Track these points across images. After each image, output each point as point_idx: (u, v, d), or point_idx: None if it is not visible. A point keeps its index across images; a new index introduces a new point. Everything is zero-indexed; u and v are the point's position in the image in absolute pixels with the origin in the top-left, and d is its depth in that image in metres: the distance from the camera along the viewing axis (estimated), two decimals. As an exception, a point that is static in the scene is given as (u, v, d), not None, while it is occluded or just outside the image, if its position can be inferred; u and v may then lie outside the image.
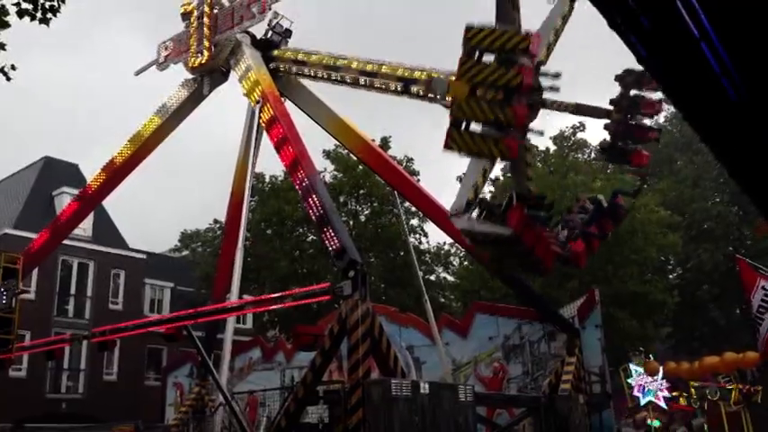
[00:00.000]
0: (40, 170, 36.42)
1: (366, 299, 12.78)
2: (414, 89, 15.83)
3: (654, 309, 30.01)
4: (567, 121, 43.25)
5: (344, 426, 12.29)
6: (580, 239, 13.69)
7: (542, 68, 12.62)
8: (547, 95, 13.00)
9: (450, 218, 12.08)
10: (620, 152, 14.10)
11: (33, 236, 23.36)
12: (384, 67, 16.55)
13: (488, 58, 11.09)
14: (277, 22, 20.29)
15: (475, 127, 11.22)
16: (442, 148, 11.20)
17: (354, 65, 16.98)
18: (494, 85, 10.79)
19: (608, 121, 13.74)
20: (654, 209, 30.79)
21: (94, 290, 34.26)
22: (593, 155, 42.12)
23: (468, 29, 10.77)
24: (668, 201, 37.26)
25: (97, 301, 34.06)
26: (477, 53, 10.95)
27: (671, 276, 37.66)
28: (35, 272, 29.36)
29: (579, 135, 35.88)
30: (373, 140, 24.34)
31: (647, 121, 14.46)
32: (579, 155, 36.66)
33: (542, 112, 13.44)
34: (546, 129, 13.38)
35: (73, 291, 33.94)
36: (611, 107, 13.60)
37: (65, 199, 30.92)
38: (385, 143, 34.76)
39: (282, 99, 19.05)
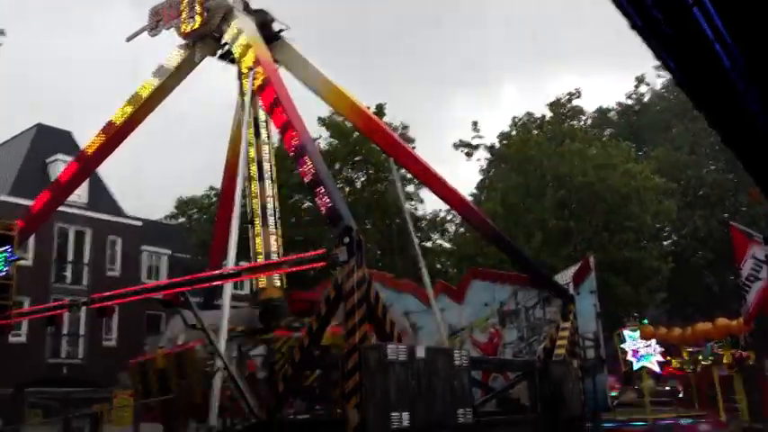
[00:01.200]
0: (33, 137, 36.24)
1: (362, 265, 12.83)
2: None
3: (648, 275, 30.28)
4: (562, 87, 43.19)
5: (342, 390, 12.45)
6: None
7: None
8: None
9: None
10: None
11: (29, 202, 23.32)
12: None
13: None
14: None
15: None
16: None
17: None
18: None
19: None
20: (649, 176, 30.87)
21: (92, 257, 34.37)
22: (589, 122, 42.06)
23: None
24: (663, 168, 37.34)
25: (95, 267, 34.18)
26: None
27: (665, 243, 37.89)
28: (32, 239, 29.42)
29: (575, 102, 35.73)
30: (368, 107, 24.25)
31: None
32: (575, 122, 36.57)
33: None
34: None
35: (71, 258, 34.04)
36: None
37: (59, 166, 30.83)
38: (380, 110, 34.63)
39: (276, 66, 18.92)
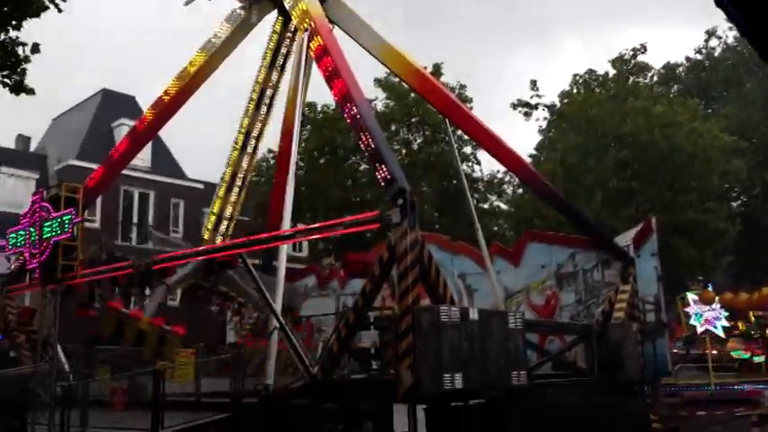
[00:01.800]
0: (99, 103, 37.23)
1: (415, 227, 12.78)
2: None
3: (714, 237, 29.29)
4: (626, 42, 41.51)
5: (395, 351, 12.53)
6: None
7: None
8: None
9: None
10: None
11: (95, 166, 24.03)
12: None
13: None
14: None
15: None
16: None
17: None
18: None
19: None
20: (717, 134, 29.61)
21: (156, 219, 35.37)
22: (655, 78, 40.52)
23: None
24: (733, 126, 35.76)
25: (158, 229, 35.16)
26: None
27: (734, 204, 36.48)
28: (99, 202, 30.46)
29: (640, 58, 34.39)
30: (425, 67, 23.91)
31: None
32: (640, 79, 35.26)
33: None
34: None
35: (135, 220, 35.12)
36: None
37: (123, 130, 31.63)
38: (437, 70, 34.13)
39: (332, 26, 18.77)
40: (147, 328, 18.60)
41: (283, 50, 21.32)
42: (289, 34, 20.92)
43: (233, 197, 21.58)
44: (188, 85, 19.97)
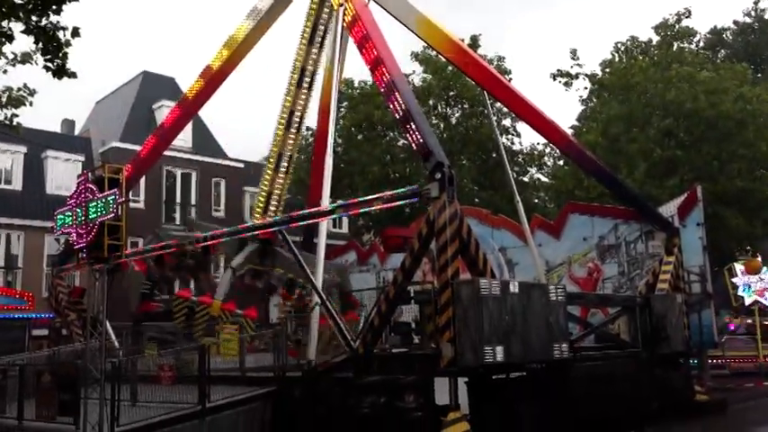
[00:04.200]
0: (139, 85, 37.71)
1: (453, 200, 12.74)
2: None
3: (763, 206, 28.46)
4: (670, 7, 40.22)
5: (435, 324, 12.58)
6: None
7: None
8: None
9: None
10: None
11: (137, 148, 24.45)
12: None
13: None
14: None
15: None
16: None
17: None
18: None
19: None
20: (767, 99, 28.62)
21: (198, 198, 35.87)
22: (701, 44, 39.30)
23: None
24: (785, 90, 34.54)
25: (201, 208, 35.67)
26: None
27: (784, 172, 35.33)
28: (143, 183, 31.01)
29: (684, 22, 33.32)
30: (462, 40, 23.61)
31: None
32: (685, 44, 34.22)
33: None
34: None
35: (178, 200, 35.67)
36: None
37: (164, 112, 31.98)
38: (474, 42, 33.67)
39: (367, 1, 18.67)
40: (220, 313, 18.75)
41: (321, 27, 21.28)
42: (326, 10, 20.86)
43: (280, 176, 21.55)
44: (235, 53, 20.25)
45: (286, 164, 21.60)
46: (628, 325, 17.41)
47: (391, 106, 14.82)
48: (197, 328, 18.73)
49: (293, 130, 21.57)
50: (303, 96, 21.44)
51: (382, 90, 15.55)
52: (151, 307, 21.66)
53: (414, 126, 13.86)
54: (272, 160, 21.68)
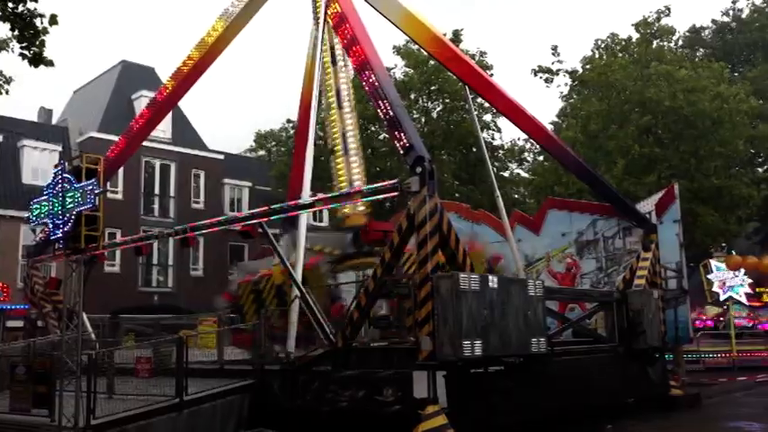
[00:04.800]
0: (118, 74, 37.34)
1: (434, 195, 12.76)
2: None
3: (738, 204, 28.85)
4: (650, 5, 40.53)
5: (414, 318, 12.61)
6: None
7: None
8: None
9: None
10: None
11: (116, 138, 24.20)
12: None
13: None
14: None
15: None
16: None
17: None
18: None
19: None
20: (743, 98, 28.96)
21: (177, 190, 35.63)
22: (680, 42, 39.64)
23: None
24: (761, 89, 34.96)
25: (180, 200, 35.47)
26: None
27: (760, 170, 35.85)
28: (121, 174, 30.73)
29: (664, 21, 33.59)
30: (444, 34, 23.60)
31: None
32: (664, 42, 34.50)
33: None
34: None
35: (157, 191, 35.41)
36: None
37: (143, 102, 31.71)
38: (456, 37, 33.72)
39: (350, -7, 18.58)
40: (284, 277, 16.75)
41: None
42: None
43: (353, 160, 19.84)
44: (207, 54, 19.94)
45: (354, 145, 20.08)
46: (605, 320, 17.60)
47: (378, 109, 14.75)
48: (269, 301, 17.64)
49: (347, 108, 20.27)
50: (343, 72, 20.45)
51: (369, 93, 15.46)
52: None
53: (399, 125, 13.81)
54: (338, 147, 20.06)
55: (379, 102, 14.47)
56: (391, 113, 14.09)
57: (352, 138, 20.09)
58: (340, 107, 20.29)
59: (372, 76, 14.88)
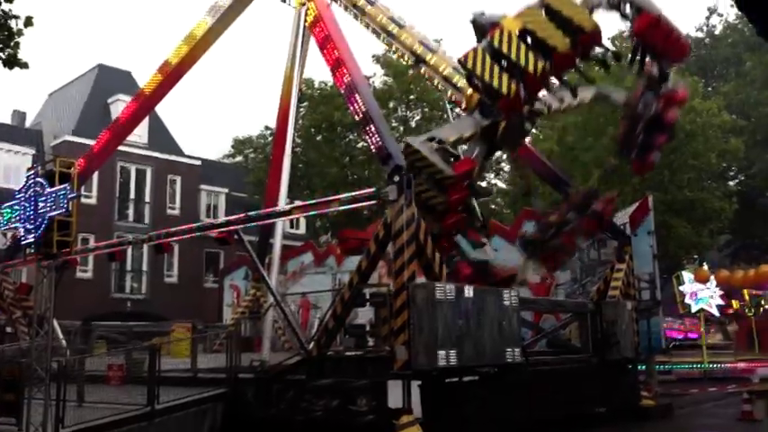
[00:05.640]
0: (94, 78, 36.96)
1: (411, 203, 12.78)
2: (422, 68, 16.86)
3: (711, 216, 29.27)
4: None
5: (390, 327, 12.58)
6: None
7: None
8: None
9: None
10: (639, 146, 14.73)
11: (91, 142, 23.94)
12: (404, 35, 16.96)
13: None
14: None
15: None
16: (459, 58, 11.86)
17: (379, 18, 17.16)
18: (541, 40, 11.24)
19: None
20: (716, 113, 29.45)
21: (152, 195, 35.29)
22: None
23: None
24: (733, 104, 35.57)
25: (155, 206, 35.14)
26: (545, 8, 11.17)
27: (731, 183, 36.43)
28: (96, 178, 30.38)
29: (640, 35, 34.07)
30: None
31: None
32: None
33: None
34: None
35: (132, 196, 35.04)
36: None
37: (119, 106, 31.42)
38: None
39: (329, 1, 18.62)
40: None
41: None
42: None
43: None
44: (194, 49, 19.92)
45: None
46: (579, 330, 17.70)
47: (351, 108, 14.82)
48: None
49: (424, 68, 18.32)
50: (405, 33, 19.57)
51: (342, 91, 15.53)
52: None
53: (372, 129, 13.88)
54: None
55: (352, 99, 14.50)
56: (363, 111, 14.14)
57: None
58: (417, 63, 17.82)
59: (346, 73, 14.92)
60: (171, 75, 20.25)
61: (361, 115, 14.25)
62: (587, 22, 11.80)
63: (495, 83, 11.54)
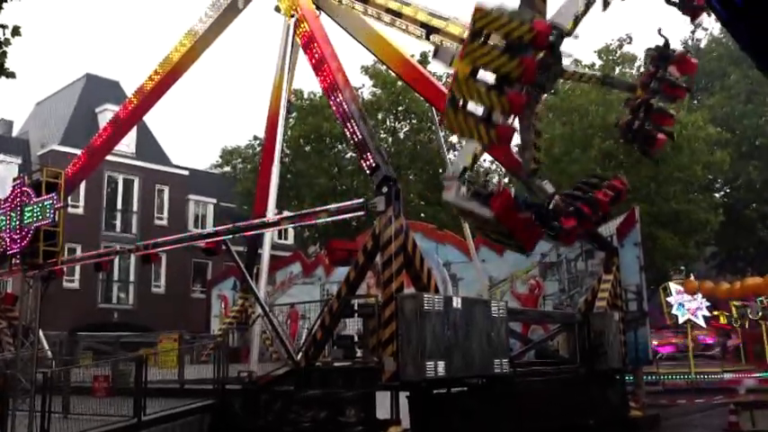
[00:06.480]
0: (82, 87, 36.84)
1: (400, 214, 12.81)
2: (434, 38, 15.89)
3: (697, 228, 29.51)
4: (612, 33, 41.56)
5: (378, 338, 12.58)
6: (572, 217, 13.48)
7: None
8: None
9: (443, 181, 12.32)
10: (641, 135, 14.58)
11: (78, 152, 23.81)
12: (406, 8, 16.39)
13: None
14: None
15: (473, 108, 11.13)
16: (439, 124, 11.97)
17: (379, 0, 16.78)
18: (495, 72, 10.63)
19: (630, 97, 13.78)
20: (702, 125, 29.75)
21: (140, 205, 35.14)
22: (641, 69, 40.56)
23: (477, 10, 10.31)
24: (718, 117, 35.94)
25: (143, 216, 34.97)
26: (483, 36, 10.60)
27: (717, 195, 36.77)
28: (83, 188, 30.22)
29: (626, 48, 34.41)
30: (412, 55, 23.80)
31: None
32: (627, 69, 35.31)
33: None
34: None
35: (119, 206, 34.88)
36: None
37: (107, 115, 31.32)
38: (425, 58, 34.00)
39: (318, 12, 18.68)
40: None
41: None
42: None
43: None
44: (171, 71, 19.83)
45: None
46: (567, 341, 17.75)
47: (347, 131, 14.77)
48: None
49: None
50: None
51: (338, 116, 15.50)
52: None
53: (366, 148, 13.87)
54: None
55: (347, 123, 14.52)
56: (359, 135, 14.15)
57: None
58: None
59: (340, 97, 14.94)
60: (147, 98, 20.00)
61: (357, 142, 14.27)
62: (524, 28, 10.40)
63: (475, 135, 11.38)
